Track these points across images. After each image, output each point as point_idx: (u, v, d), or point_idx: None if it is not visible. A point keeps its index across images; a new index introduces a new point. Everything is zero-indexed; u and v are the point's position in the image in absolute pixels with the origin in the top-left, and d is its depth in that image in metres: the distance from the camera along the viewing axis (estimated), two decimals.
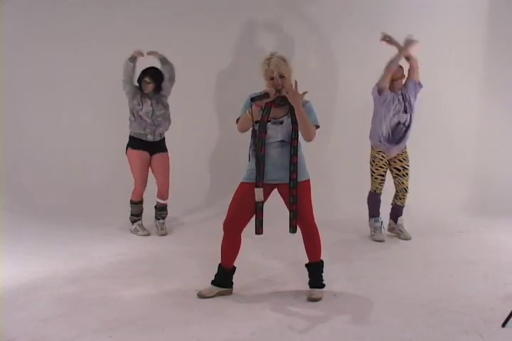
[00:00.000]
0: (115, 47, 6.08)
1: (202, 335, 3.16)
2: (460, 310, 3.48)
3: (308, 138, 3.60)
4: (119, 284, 4.00)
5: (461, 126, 6.52)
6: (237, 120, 3.67)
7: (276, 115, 3.60)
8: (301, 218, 3.64)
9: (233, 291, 3.81)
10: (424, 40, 6.21)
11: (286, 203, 3.67)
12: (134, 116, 5.36)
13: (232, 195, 3.72)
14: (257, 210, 3.63)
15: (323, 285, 3.77)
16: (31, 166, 6.42)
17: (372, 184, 5.30)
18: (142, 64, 5.31)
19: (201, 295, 3.72)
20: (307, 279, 3.80)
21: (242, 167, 3.93)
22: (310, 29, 6.54)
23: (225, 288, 3.80)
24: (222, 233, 3.71)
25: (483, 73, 6.53)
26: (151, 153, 5.45)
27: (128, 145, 5.43)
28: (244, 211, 3.66)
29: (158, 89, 5.38)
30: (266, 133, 3.57)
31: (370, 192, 5.34)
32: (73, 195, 6.33)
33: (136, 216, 5.53)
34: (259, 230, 3.66)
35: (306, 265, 3.81)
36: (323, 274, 3.80)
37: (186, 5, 6.48)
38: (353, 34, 6.42)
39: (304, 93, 3.51)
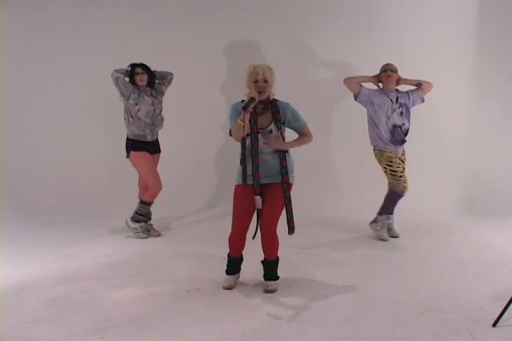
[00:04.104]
0: (116, 48, 6.08)
1: (192, 336, 3.15)
2: (450, 309, 3.49)
3: (307, 144, 3.85)
4: (110, 285, 3.98)
5: (450, 127, 6.53)
6: (230, 131, 3.75)
7: (263, 124, 3.69)
8: (268, 218, 3.72)
9: (223, 293, 3.85)
10: (414, 42, 6.26)
11: (268, 201, 3.74)
12: (132, 117, 5.27)
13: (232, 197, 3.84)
14: (258, 217, 3.77)
15: (277, 278, 3.91)
16: (20, 168, 6.38)
17: (397, 185, 5.14)
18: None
19: (227, 287, 3.88)
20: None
21: (234, 170, 3.92)
22: (303, 30, 6.53)
23: (237, 273, 4.02)
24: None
25: (472, 75, 6.53)
26: (150, 154, 5.41)
27: (129, 149, 5.31)
28: (246, 210, 3.78)
29: (151, 83, 5.33)
30: (258, 143, 3.66)
31: (395, 193, 5.17)
32: (63, 196, 6.30)
33: (144, 216, 5.35)
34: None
35: (262, 261, 3.93)
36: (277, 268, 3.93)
37: (184, 6, 6.49)
38: (344, 35, 6.43)
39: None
